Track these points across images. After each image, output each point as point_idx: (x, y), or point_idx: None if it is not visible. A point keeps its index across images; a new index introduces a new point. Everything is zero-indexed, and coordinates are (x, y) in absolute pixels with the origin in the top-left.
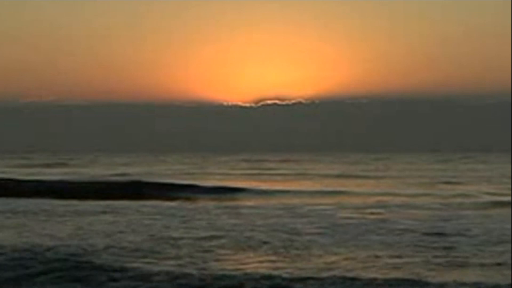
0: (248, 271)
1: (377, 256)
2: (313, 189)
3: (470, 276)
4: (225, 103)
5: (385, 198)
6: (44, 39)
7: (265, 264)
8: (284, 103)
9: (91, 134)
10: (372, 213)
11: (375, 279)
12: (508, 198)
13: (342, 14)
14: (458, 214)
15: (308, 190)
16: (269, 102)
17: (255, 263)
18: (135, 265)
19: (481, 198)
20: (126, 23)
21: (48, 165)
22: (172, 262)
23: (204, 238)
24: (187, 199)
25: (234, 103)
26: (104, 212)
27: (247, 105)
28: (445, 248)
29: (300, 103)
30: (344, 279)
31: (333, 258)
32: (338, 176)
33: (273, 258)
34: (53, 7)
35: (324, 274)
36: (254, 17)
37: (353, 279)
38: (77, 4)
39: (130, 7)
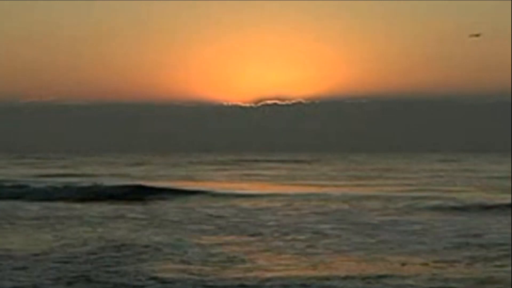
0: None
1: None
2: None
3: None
4: (225, 103)
5: (396, 200)
6: (44, 40)
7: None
8: (284, 103)
9: (91, 134)
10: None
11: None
12: None
13: (341, 14)
14: (487, 215)
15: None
16: (269, 102)
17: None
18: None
19: (503, 200)
20: (125, 23)
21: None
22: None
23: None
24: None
25: (234, 103)
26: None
27: (247, 105)
28: (479, 250)
29: (300, 103)
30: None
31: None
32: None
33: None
34: (53, 8)
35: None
36: (254, 17)
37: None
38: (77, 4)
39: (130, 8)
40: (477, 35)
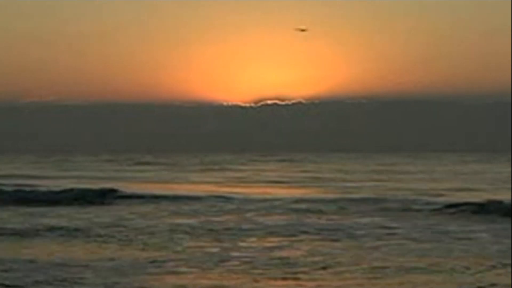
0: None
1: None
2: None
3: None
4: (225, 103)
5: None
6: (44, 40)
7: None
8: (284, 103)
9: (91, 134)
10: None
11: None
12: None
13: (341, 15)
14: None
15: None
16: (269, 102)
17: None
18: None
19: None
20: (125, 24)
21: None
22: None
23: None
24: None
25: (234, 103)
26: None
27: (247, 105)
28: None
29: (300, 103)
30: None
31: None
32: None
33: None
34: (53, 9)
35: None
36: (255, 18)
37: None
38: (78, 5)
39: (131, 8)
40: (303, 30)
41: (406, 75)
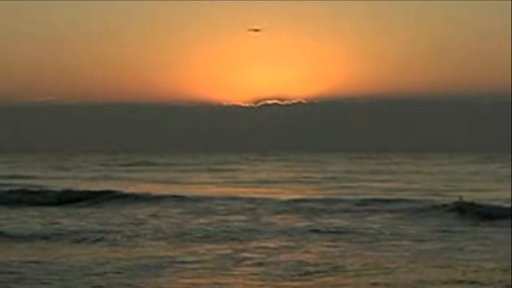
0: None
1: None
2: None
3: None
4: (225, 103)
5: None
6: (44, 39)
7: None
8: (284, 103)
9: (91, 134)
10: None
11: None
12: None
13: (341, 14)
14: None
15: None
16: (269, 102)
17: None
18: None
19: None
20: (126, 23)
21: None
22: None
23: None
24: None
25: (234, 103)
26: None
27: (247, 105)
28: None
29: (300, 103)
30: None
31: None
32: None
33: None
34: (53, 7)
35: None
36: (254, 18)
37: None
38: (78, 4)
39: (131, 8)
40: (256, 30)
41: (406, 75)
